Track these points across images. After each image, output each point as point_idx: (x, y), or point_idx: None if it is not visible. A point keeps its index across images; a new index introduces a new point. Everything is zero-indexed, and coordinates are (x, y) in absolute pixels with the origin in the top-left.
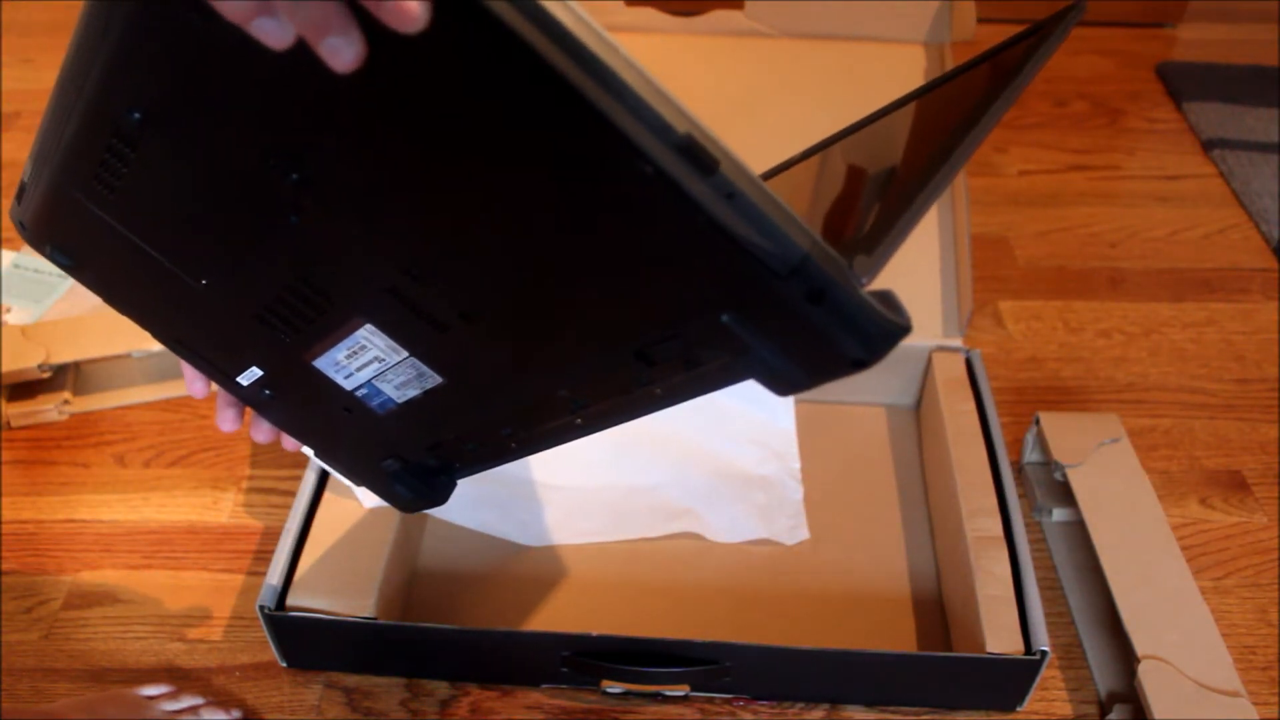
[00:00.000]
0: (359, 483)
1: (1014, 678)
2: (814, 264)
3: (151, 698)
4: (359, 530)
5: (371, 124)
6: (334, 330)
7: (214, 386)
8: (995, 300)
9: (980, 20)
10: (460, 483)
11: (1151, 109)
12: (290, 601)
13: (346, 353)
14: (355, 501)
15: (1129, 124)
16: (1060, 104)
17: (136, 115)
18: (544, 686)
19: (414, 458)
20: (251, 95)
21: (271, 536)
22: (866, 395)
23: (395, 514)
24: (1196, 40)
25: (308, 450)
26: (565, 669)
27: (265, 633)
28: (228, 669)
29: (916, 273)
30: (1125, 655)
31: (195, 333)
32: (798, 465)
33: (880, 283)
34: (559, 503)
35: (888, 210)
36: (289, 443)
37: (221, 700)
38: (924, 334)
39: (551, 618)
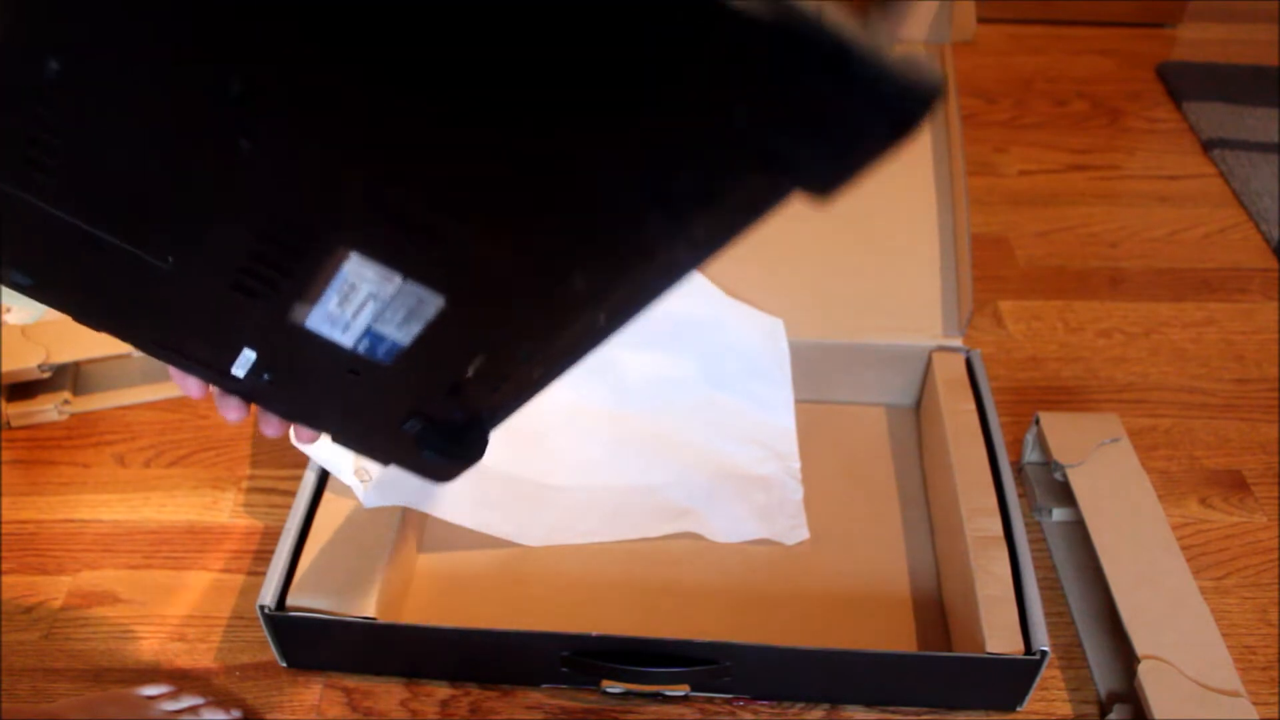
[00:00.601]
0: (385, 460)
1: (1014, 678)
2: (825, 28)
3: (151, 698)
4: (359, 530)
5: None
6: (318, 274)
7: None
8: (995, 300)
9: (980, 20)
10: (460, 483)
11: (1151, 109)
12: (290, 601)
13: (338, 299)
14: (355, 501)
15: (1129, 124)
16: (1060, 104)
17: (54, 65)
18: (544, 686)
19: (435, 411)
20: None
21: (271, 536)
22: (866, 395)
23: (395, 514)
24: (1196, 40)
25: (313, 450)
26: (565, 669)
27: (265, 633)
28: (228, 669)
29: (916, 273)
30: (1125, 655)
31: (177, 329)
32: (798, 465)
33: (880, 282)
34: (559, 503)
35: None
36: (303, 434)
37: (221, 700)
38: (924, 334)
39: (551, 618)
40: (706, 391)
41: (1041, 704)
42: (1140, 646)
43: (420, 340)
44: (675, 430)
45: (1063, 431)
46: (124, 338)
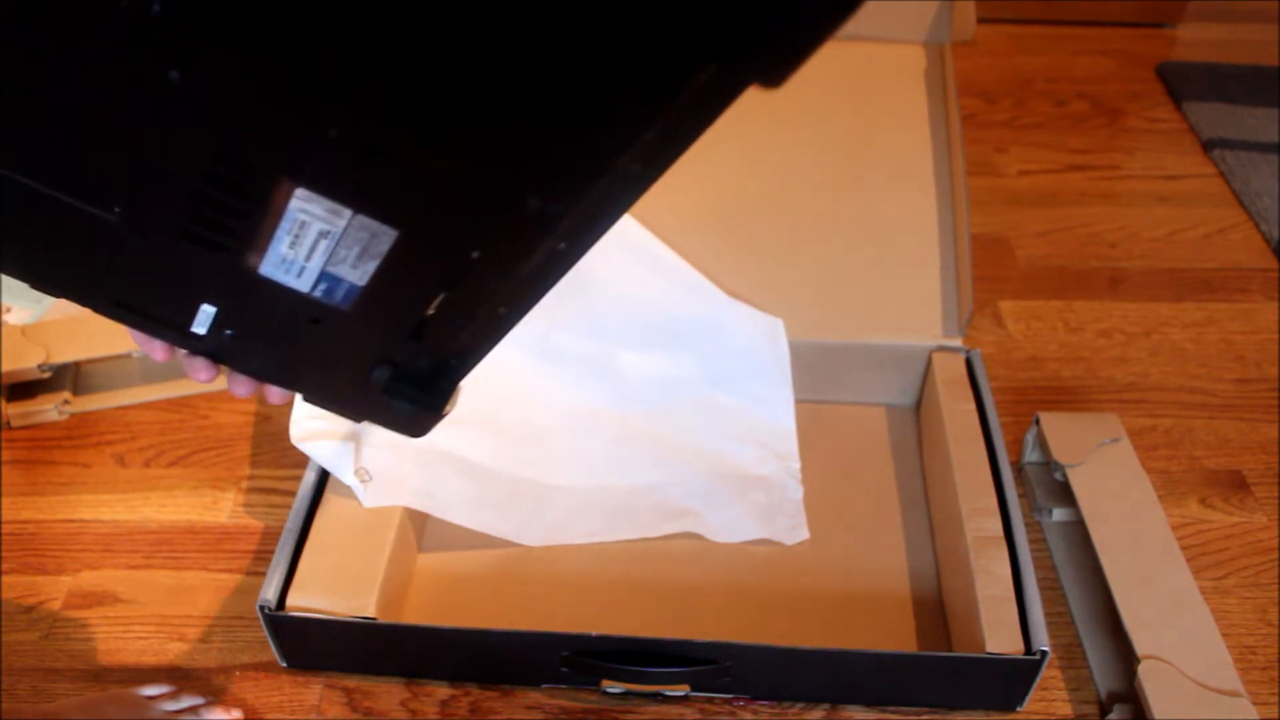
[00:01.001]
0: (357, 416)
1: (1014, 678)
2: None
3: (151, 698)
4: (359, 530)
5: None
6: (266, 215)
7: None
8: (995, 300)
9: (980, 20)
10: (460, 483)
11: (1151, 109)
12: (290, 601)
13: (289, 241)
14: (355, 501)
15: (1129, 124)
16: (1060, 104)
17: None
18: (544, 686)
19: (401, 355)
20: None
21: (271, 536)
22: (866, 395)
23: (395, 514)
24: (1196, 40)
25: (313, 450)
26: (565, 669)
27: (265, 633)
28: (228, 669)
29: (916, 273)
30: (1125, 655)
31: (133, 287)
32: (798, 465)
33: (880, 282)
34: (559, 503)
35: None
36: (273, 394)
37: (221, 700)
38: (924, 334)
39: (551, 618)
40: (706, 391)
41: (1041, 704)
42: (1140, 646)
43: (377, 279)
44: (675, 430)
45: (1063, 431)
46: (81, 300)
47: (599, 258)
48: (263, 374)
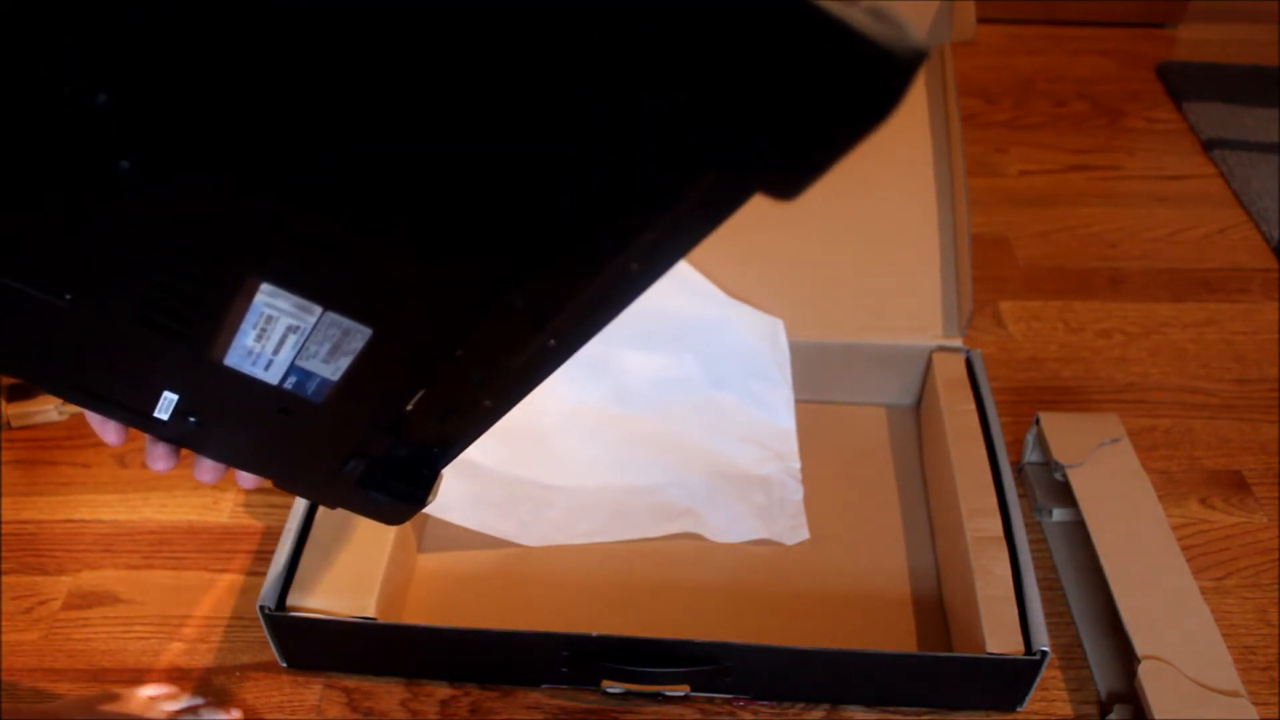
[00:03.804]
0: (331, 504)
1: (1014, 678)
2: None
3: (151, 698)
4: (359, 530)
5: None
6: (230, 307)
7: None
8: (995, 300)
9: (980, 20)
10: (460, 483)
11: (1151, 109)
12: (290, 601)
13: (255, 334)
14: None
15: (1129, 124)
16: (1060, 104)
17: None
18: (544, 686)
19: (377, 449)
20: None
21: (271, 536)
22: (866, 395)
23: None
24: (1196, 40)
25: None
26: (565, 669)
27: (265, 633)
28: (228, 669)
29: (917, 273)
30: (1125, 655)
31: (89, 370)
32: (798, 465)
33: (880, 282)
34: (559, 503)
35: None
36: (244, 479)
37: (221, 700)
38: (924, 334)
39: (551, 618)
40: (706, 391)
41: (1041, 704)
42: (1140, 646)
43: (352, 375)
44: (675, 430)
45: (1063, 431)
46: (37, 382)
47: None
48: (229, 460)
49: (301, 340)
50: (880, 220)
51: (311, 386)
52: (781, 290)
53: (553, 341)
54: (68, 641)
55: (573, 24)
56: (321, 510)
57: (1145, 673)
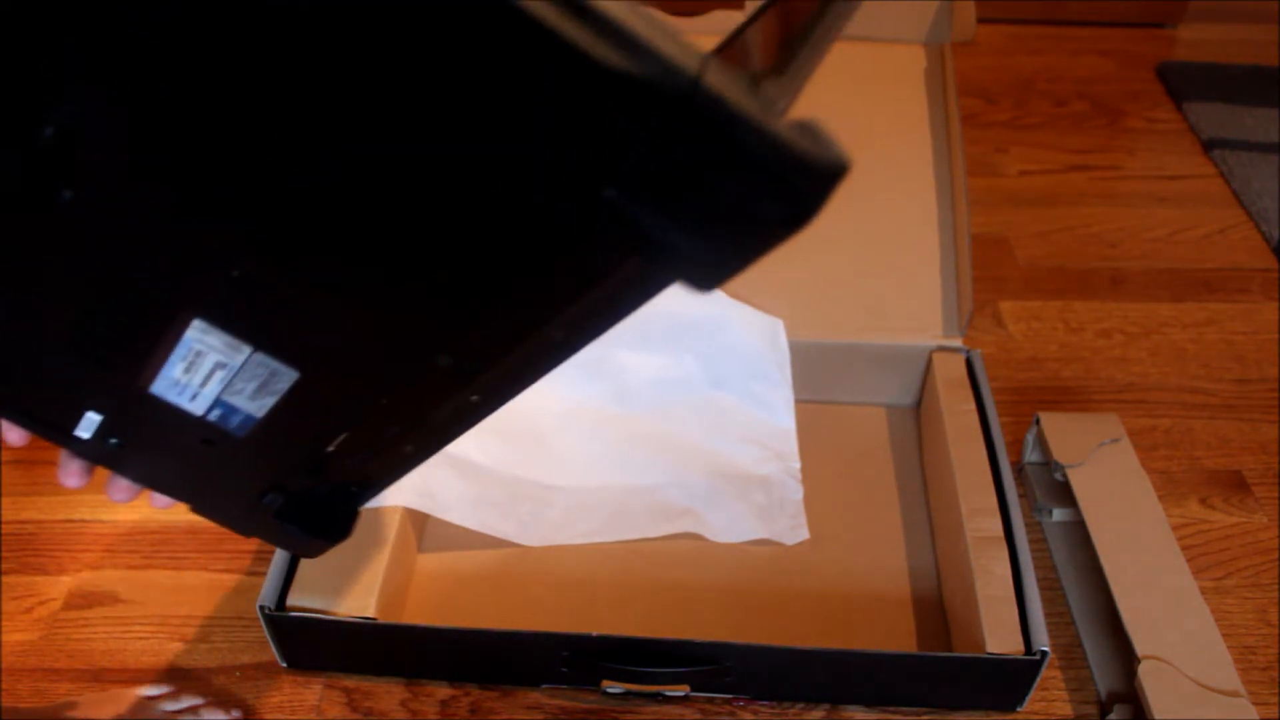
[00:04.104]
0: (246, 533)
1: (1014, 678)
2: (707, 90)
3: (151, 698)
4: (359, 530)
5: (139, 37)
6: (159, 337)
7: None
8: (995, 300)
9: (980, 20)
10: (460, 483)
11: (1151, 109)
12: (290, 601)
13: (183, 366)
14: None
15: (1129, 124)
16: (1060, 104)
17: None
18: (544, 686)
19: (296, 485)
20: None
21: None
22: (866, 395)
23: (395, 514)
24: (1196, 40)
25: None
26: (565, 669)
27: (265, 633)
28: (228, 669)
29: (917, 273)
30: (1125, 655)
31: (13, 383)
32: (798, 465)
33: (880, 282)
34: (559, 503)
35: (794, 30)
36: (159, 500)
37: (221, 700)
38: (924, 334)
39: (551, 618)
40: (706, 391)
41: (1041, 704)
42: (1140, 646)
43: (276, 414)
44: (675, 430)
45: (1063, 432)
46: None
47: None
48: (147, 483)
49: (229, 376)
50: (880, 220)
51: (235, 421)
52: (781, 290)
53: (476, 398)
54: (68, 641)
55: (508, 116)
56: None
57: (1145, 673)
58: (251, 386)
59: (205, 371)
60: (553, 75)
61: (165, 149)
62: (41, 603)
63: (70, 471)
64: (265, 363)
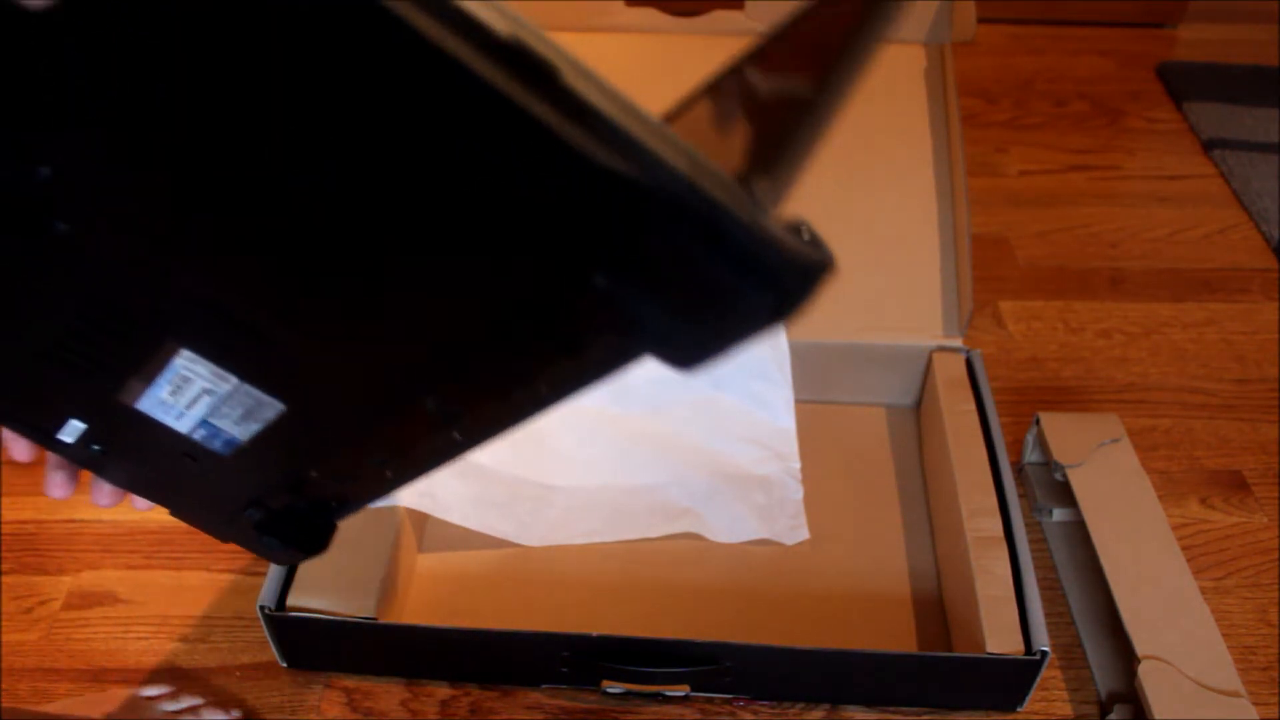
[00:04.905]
0: (224, 539)
1: (1014, 678)
2: (697, 191)
3: (151, 698)
4: (359, 530)
5: (133, 84)
6: (146, 362)
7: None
8: (995, 300)
9: (980, 20)
10: (460, 483)
11: (1151, 109)
12: (290, 601)
13: (169, 389)
14: None
15: (1129, 124)
16: (1060, 104)
17: None
18: (544, 686)
19: (276, 503)
20: None
21: None
22: (866, 395)
23: (395, 514)
24: (1196, 40)
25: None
26: (565, 669)
27: (265, 633)
28: (228, 669)
29: (916, 273)
30: (1125, 655)
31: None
32: (798, 465)
33: (880, 282)
34: (559, 503)
35: (785, 126)
36: (139, 503)
37: (221, 700)
38: (924, 334)
39: (551, 618)
40: (706, 391)
41: (1041, 704)
42: (1140, 646)
43: (260, 439)
44: (675, 430)
45: (1063, 431)
46: None
47: None
48: (130, 488)
49: (215, 403)
50: (880, 220)
51: (219, 441)
52: None
53: (459, 436)
54: (68, 641)
55: (505, 207)
56: None
57: (1145, 673)
58: (238, 412)
59: (192, 396)
60: (549, 170)
61: (160, 191)
62: (41, 603)
63: (55, 483)
64: (252, 393)
